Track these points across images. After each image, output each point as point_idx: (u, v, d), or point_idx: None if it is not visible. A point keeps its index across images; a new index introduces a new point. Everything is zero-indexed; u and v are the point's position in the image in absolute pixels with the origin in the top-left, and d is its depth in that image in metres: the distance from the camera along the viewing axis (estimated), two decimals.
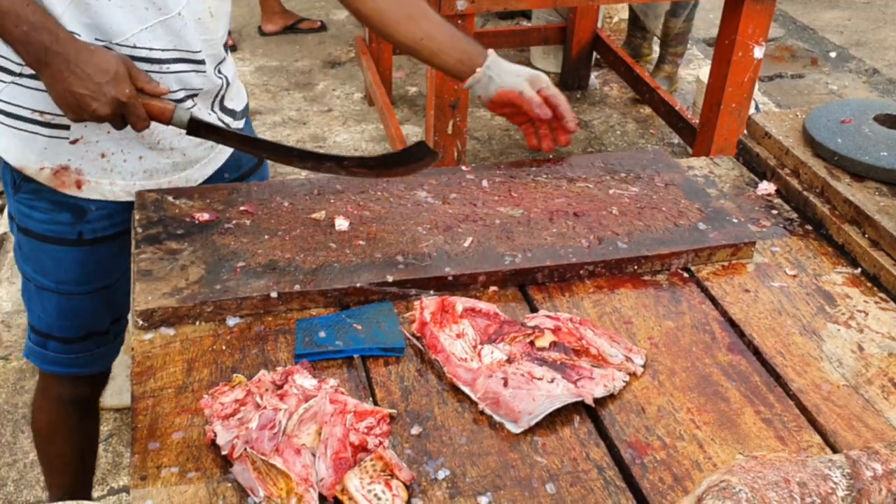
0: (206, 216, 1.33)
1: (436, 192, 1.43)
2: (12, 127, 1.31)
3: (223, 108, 1.47)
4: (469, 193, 1.44)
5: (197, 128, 1.29)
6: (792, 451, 1.02)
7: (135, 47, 1.27)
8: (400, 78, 4.40)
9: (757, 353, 1.17)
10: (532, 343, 1.11)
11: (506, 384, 1.04)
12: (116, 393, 2.38)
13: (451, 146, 2.78)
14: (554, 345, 1.11)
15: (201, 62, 1.35)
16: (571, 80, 4.33)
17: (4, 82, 1.29)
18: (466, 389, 1.07)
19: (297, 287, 1.20)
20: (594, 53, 4.28)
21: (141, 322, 1.15)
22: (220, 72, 1.43)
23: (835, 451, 1.03)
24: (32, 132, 1.32)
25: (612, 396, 1.09)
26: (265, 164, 1.68)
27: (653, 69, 4.26)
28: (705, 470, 0.99)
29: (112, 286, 1.51)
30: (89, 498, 1.98)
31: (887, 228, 1.31)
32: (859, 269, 1.34)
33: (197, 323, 1.17)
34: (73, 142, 1.32)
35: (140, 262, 1.23)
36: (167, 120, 1.26)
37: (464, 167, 1.51)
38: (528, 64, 4.62)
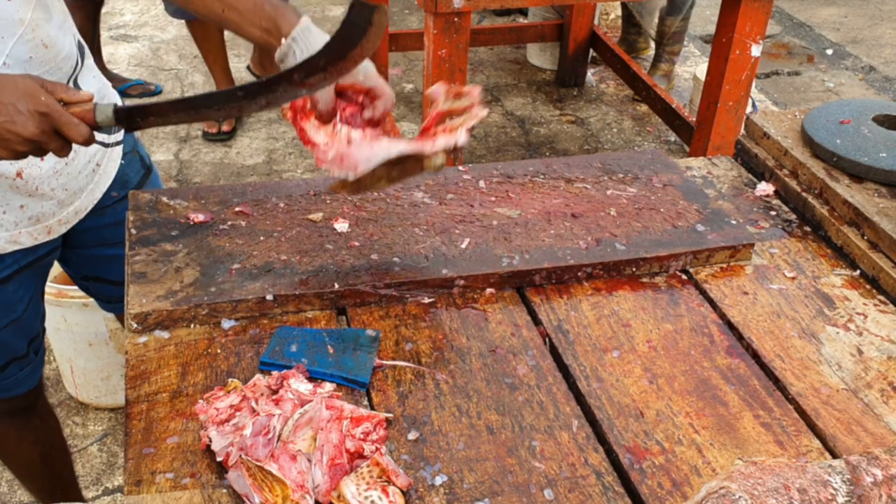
0: (200, 217, 1.32)
1: (433, 193, 1.42)
2: None
3: None
4: (466, 194, 1.43)
5: (130, 117, 1.10)
6: (791, 455, 1.02)
7: None
8: (396, 74, 4.39)
9: (756, 356, 1.17)
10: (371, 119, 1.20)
11: (349, 143, 1.14)
12: (112, 393, 2.37)
13: None
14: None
15: None
16: (568, 77, 4.32)
17: None
18: (324, 166, 1.15)
19: (292, 289, 1.19)
20: (591, 51, 4.27)
21: (135, 325, 1.14)
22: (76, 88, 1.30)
23: (834, 455, 1.02)
24: None
25: (609, 401, 1.08)
26: (154, 174, 1.59)
27: (650, 67, 4.25)
28: (704, 475, 0.99)
29: (20, 317, 1.46)
30: (80, 496, 1.97)
31: (886, 230, 1.31)
32: (858, 271, 1.33)
33: (192, 326, 1.16)
34: None
35: (134, 265, 1.22)
36: (92, 122, 1.09)
37: (461, 167, 1.50)
38: (524, 61, 4.60)
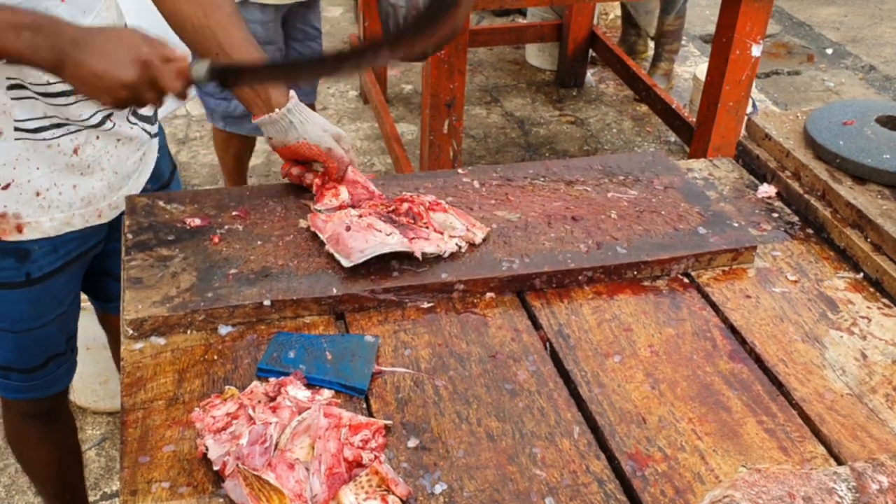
0: (197, 222, 1.30)
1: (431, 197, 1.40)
2: None
3: (137, 115, 1.43)
4: (465, 197, 1.41)
5: (224, 75, 1.18)
6: (795, 462, 1.00)
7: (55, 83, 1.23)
8: (395, 76, 4.37)
9: (759, 360, 1.16)
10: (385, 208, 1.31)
11: (348, 229, 1.22)
12: (110, 397, 2.36)
13: (447, 145, 2.75)
14: (404, 212, 1.29)
15: None
16: (567, 77, 4.30)
17: None
18: (320, 235, 1.25)
19: (290, 295, 1.17)
20: (590, 51, 4.25)
21: (131, 331, 1.13)
22: None
23: (839, 462, 1.01)
24: None
25: (611, 407, 1.07)
26: (178, 172, 1.66)
27: (649, 67, 4.24)
28: (707, 482, 0.98)
29: (66, 312, 1.48)
30: (84, 501, 1.96)
31: (890, 232, 1.29)
32: (861, 274, 1.32)
33: (188, 332, 1.14)
34: (6, 187, 1.28)
35: (130, 270, 1.20)
36: (186, 77, 1.15)
37: (460, 170, 1.49)
38: (523, 62, 4.60)
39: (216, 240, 1.27)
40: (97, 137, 1.34)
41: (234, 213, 1.33)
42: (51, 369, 1.52)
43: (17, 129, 1.25)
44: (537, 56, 4.52)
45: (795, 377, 1.12)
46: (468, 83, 4.26)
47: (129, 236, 1.27)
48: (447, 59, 2.56)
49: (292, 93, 1.33)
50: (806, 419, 1.07)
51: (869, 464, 0.93)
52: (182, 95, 1.16)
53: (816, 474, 0.91)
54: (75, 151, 1.32)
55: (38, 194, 1.31)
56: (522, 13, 4.87)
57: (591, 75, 4.43)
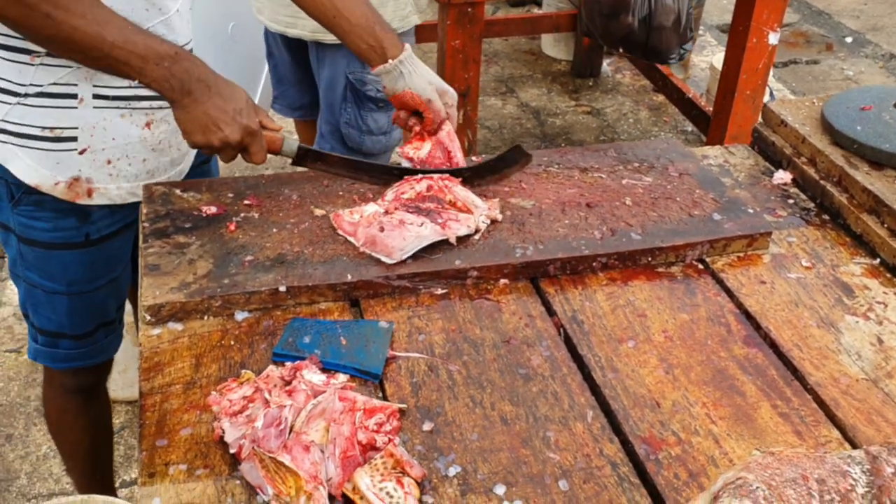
0: (213, 209, 1.31)
1: None
2: (24, 146, 1.32)
3: None
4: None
5: (304, 156, 1.34)
6: (810, 446, 1.00)
7: None
8: None
9: (773, 346, 1.15)
10: (404, 195, 1.31)
11: (381, 230, 1.21)
12: (128, 386, 2.38)
13: (462, 136, 2.74)
14: (427, 196, 1.29)
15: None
16: (583, 67, 4.29)
17: (9, 104, 1.29)
18: (350, 239, 1.25)
19: (305, 281, 1.18)
20: None
21: (149, 317, 1.14)
22: None
23: (854, 446, 1.01)
24: (43, 149, 1.33)
25: (625, 391, 1.07)
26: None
27: None
28: (721, 466, 0.98)
29: (119, 277, 1.54)
30: (112, 483, 1.98)
31: None
32: (878, 260, 1.31)
33: (205, 318, 1.16)
34: (82, 152, 1.34)
35: (148, 257, 1.22)
36: (277, 150, 1.30)
37: (475, 158, 1.49)
38: (539, 52, 4.59)
39: (232, 227, 1.28)
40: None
41: (249, 202, 1.34)
42: (99, 337, 1.57)
43: (95, 95, 1.30)
44: (553, 46, 4.51)
45: (810, 362, 1.12)
46: (483, 73, 4.25)
47: (147, 224, 1.29)
48: (462, 48, 2.56)
49: (407, 45, 1.41)
50: (821, 404, 1.07)
51: (884, 447, 0.92)
52: (258, 163, 1.28)
53: (830, 457, 0.91)
54: (147, 126, 1.37)
55: (108, 162, 1.36)
56: (538, 3, 4.85)
57: (607, 65, 4.41)
